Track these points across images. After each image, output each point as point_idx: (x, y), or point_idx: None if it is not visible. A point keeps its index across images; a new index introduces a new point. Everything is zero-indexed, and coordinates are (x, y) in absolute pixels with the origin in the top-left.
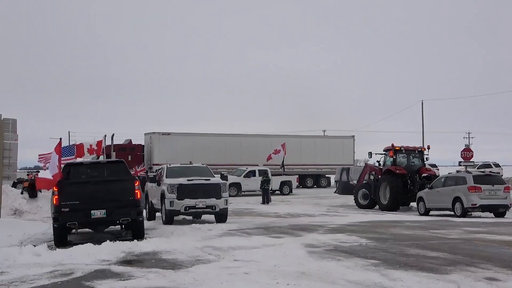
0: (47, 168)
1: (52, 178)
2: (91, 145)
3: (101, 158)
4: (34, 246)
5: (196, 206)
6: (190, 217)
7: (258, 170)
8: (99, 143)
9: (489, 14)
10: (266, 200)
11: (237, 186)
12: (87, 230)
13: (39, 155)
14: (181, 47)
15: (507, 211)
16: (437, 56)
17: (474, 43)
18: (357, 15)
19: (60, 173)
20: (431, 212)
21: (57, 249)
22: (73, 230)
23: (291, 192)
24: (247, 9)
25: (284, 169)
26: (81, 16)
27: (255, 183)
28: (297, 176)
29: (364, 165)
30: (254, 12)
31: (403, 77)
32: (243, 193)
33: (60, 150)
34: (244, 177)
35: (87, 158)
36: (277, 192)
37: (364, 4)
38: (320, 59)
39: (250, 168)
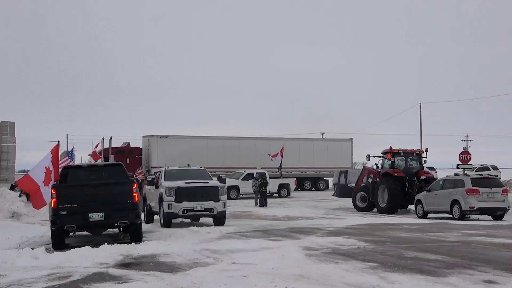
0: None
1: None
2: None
3: (99, 161)
4: (32, 249)
5: (194, 209)
6: (188, 220)
7: (256, 172)
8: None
9: (488, 17)
10: (264, 203)
11: (235, 189)
12: (85, 233)
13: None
14: (179, 49)
15: (505, 214)
16: (435, 59)
17: (472, 45)
18: (357, 17)
19: (55, 176)
20: (429, 215)
21: (55, 252)
22: (71, 233)
23: (289, 194)
24: (245, 11)
25: (281, 172)
26: (79, 19)
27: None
28: (295, 178)
29: (362, 167)
30: (252, 13)
31: (401, 80)
32: (241, 196)
33: (57, 153)
34: (242, 180)
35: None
36: (275, 195)
37: (364, 6)
38: (318, 61)
39: (248, 171)
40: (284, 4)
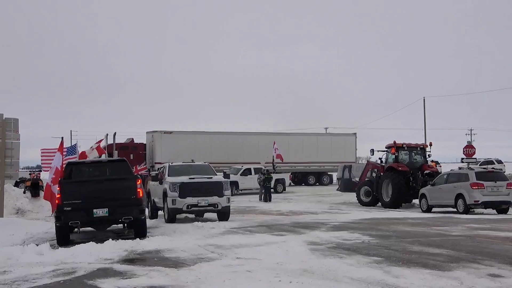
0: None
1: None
2: (91, 148)
3: (103, 156)
4: (37, 245)
5: (198, 204)
6: (193, 215)
7: (254, 168)
8: (98, 143)
9: (489, 9)
10: (268, 198)
11: (234, 184)
12: (89, 229)
13: (41, 149)
14: (183, 46)
15: (509, 208)
16: (438, 53)
17: (475, 39)
18: (358, 13)
19: (61, 173)
20: (434, 209)
21: (59, 248)
22: (76, 229)
23: (285, 190)
24: (249, 9)
25: (274, 167)
26: (82, 16)
27: (251, 181)
28: (290, 173)
29: (366, 162)
30: (255, 11)
31: (405, 75)
32: (240, 191)
33: (62, 150)
34: (241, 175)
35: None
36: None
37: (364, 2)
38: (321, 57)
39: (245, 166)
40: (286, 2)
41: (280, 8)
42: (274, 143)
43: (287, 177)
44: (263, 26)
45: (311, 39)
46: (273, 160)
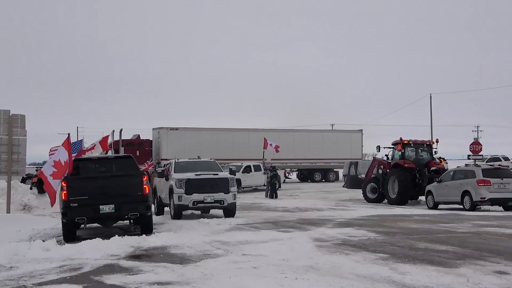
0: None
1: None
2: (93, 144)
3: (109, 153)
4: (43, 241)
5: (205, 201)
6: (199, 212)
7: (253, 165)
8: (104, 139)
9: (491, 5)
10: (274, 195)
11: (237, 182)
12: (95, 225)
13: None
14: (187, 44)
15: None
16: (444, 50)
17: (480, 35)
18: (360, 12)
19: (67, 169)
20: (440, 206)
21: (66, 244)
22: (82, 225)
23: (280, 187)
24: (249, 8)
25: (264, 163)
26: (85, 14)
27: (252, 178)
28: (284, 170)
29: (372, 159)
30: (256, 11)
31: (411, 71)
32: (242, 189)
33: (69, 145)
34: (242, 172)
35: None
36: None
37: (369, 2)
38: (326, 55)
39: (245, 164)
40: (287, 3)
41: (280, 8)
42: (265, 139)
43: (281, 174)
44: (263, 26)
45: (312, 38)
46: (263, 156)
